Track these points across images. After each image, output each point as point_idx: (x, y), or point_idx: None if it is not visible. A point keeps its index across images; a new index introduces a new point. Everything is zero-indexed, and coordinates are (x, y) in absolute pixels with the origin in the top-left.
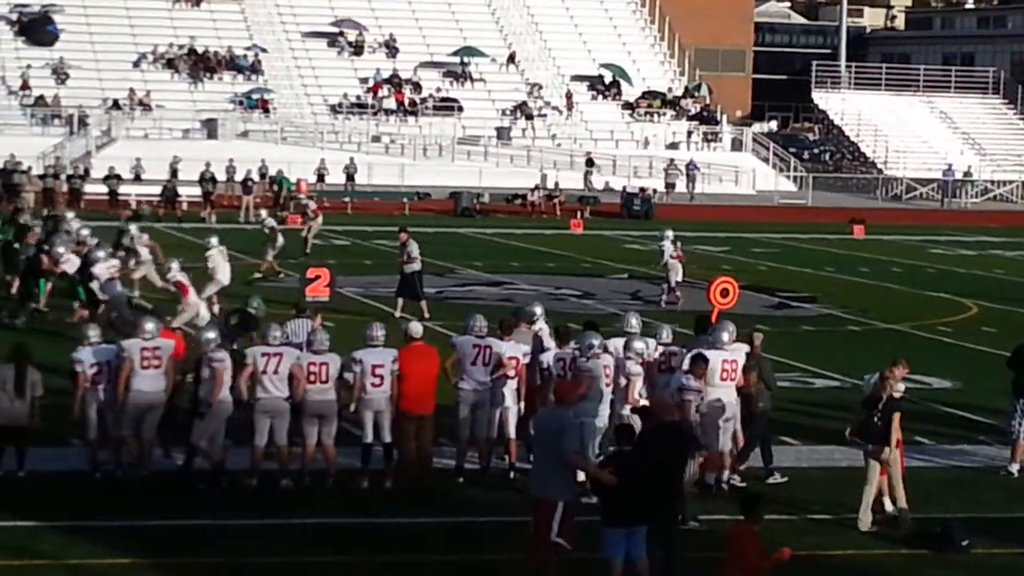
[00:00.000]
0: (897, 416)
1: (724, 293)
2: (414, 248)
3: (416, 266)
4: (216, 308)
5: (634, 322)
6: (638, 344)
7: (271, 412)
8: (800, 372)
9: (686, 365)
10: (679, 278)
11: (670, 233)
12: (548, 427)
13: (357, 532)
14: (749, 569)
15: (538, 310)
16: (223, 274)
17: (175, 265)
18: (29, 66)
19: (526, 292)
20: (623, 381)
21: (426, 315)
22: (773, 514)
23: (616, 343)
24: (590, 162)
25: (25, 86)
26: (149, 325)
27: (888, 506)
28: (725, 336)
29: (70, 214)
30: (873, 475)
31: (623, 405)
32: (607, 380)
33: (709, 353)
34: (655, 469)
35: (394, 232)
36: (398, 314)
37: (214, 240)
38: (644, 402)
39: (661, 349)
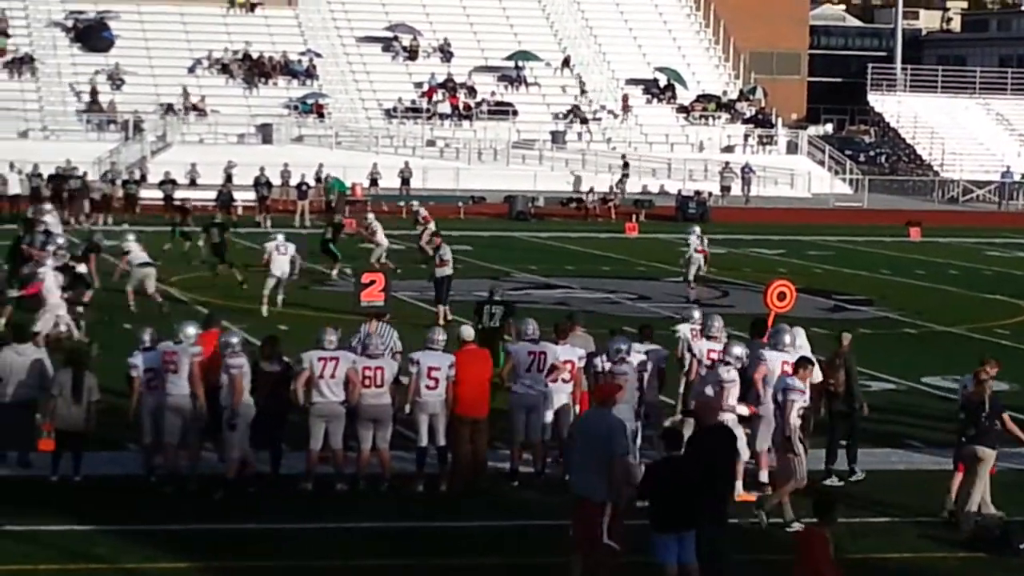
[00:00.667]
0: (1008, 415)
1: (781, 296)
2: (446, 252)
3: (448, 270)
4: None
5: (717, 325)
6: (737, 350)
7: (326, 416)
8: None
9: (734, 364)
10: (700, 272)
11: (697, 229)
12: (594, 429)
13: (412, 536)
14: (815, 573)
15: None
16: (277, 267)
17: (50, 262)
18: (97, 72)
19: (581, 296)
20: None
21: (440, 320)
22: None
23: (700, 346)
24: (626, 164)
25: (94, 92)
26: (188, 330)
27: (950, 504)
28: (787, 338)
29: (48, 215)
30: (983, 473)
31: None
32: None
33: (769, 354)
34: (703, 472)
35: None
36: (442, 320)
37: (280, 237)
38: (741, 409)
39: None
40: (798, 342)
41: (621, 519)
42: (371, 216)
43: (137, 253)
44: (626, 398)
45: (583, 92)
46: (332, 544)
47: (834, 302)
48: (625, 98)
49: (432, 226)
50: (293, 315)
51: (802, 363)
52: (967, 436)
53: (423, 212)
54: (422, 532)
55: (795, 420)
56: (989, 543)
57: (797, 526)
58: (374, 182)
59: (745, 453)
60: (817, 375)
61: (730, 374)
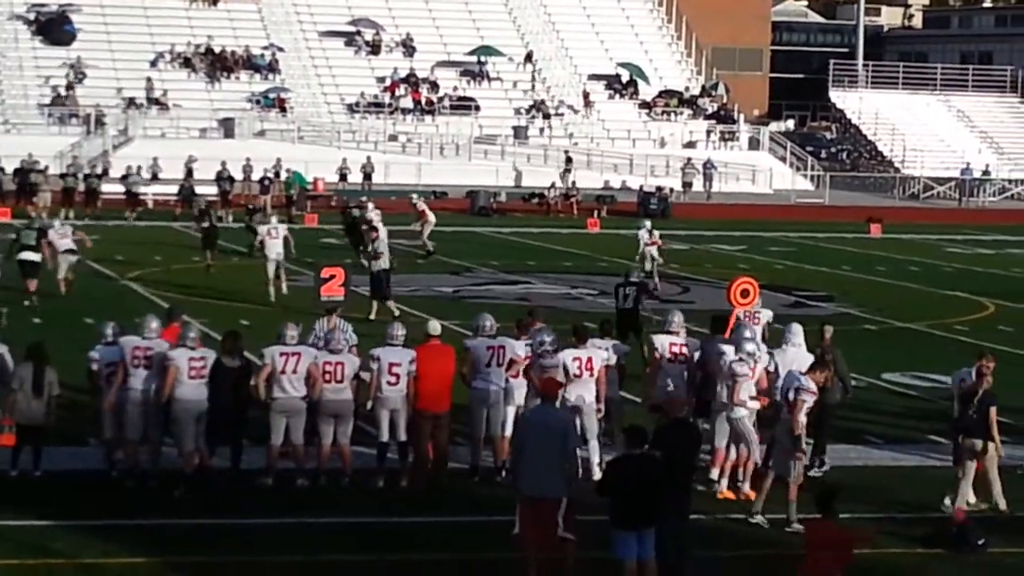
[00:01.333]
0: (993, 409)
1: (745, 294)
2: (381, 245)
3: (383, 264)
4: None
5: (677, 320)
6: (750, 346)
7: (287, 411)
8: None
9: (746, 360)
10: (656, 265)
11: (647, 223)
12: (547, 425)
13: (373, 531)
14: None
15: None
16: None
17: None
18: (61, 65)
19: (543, 291)
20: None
21: (396, 313)
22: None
23: (661, 340)
24: (568, 159)
25: (70, 87)
26: (152, 324)
27: (971, 499)
28: (746, 333)
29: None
30: (969, 469)
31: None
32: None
33: (728, 349)
34: (666, 468)
35: (409, 231)
36: (373, 316)
37: (273, 219)
38: (752, 404)
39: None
40: (797, 340)
41: (573, 512)
42: (374, 210)
43: (59, 241)
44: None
45: (534, 87)
46: (293, 539)
47: (795, 298)
48: (586, 94)
49: (431, 218)
50: (254, 310)
51: (817, 365)
52: (959, 429)
53: (421, 206)
54: (383, 527)
55: (803, 420)
56: (948, 540)
57: (798, 526)
58: (343, 176)
59: (757, 453)
60: (765, 360)
61: (742, 368)
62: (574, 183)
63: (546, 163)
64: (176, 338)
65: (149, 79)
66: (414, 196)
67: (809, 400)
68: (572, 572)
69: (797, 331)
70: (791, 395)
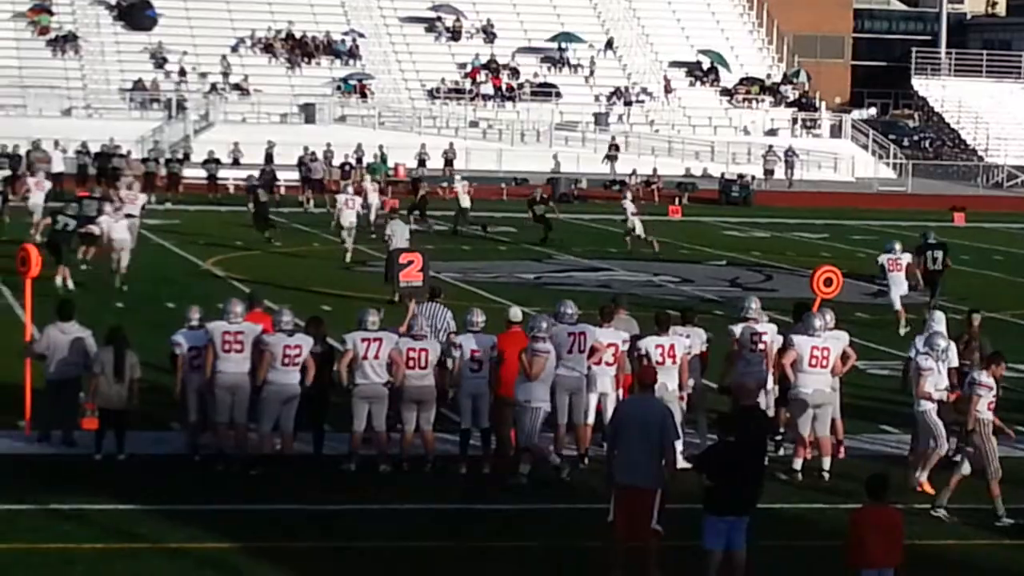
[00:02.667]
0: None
1: (828, 282)
2: (389, 228)
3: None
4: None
5: (754, 306)
6: (941, 341)
7: (370, 397)
8: (899, 360)
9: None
10: (641, 232)
11: (627, 194)
12: (645, 415)
13: (456, 517)
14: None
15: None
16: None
17: None
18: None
19: (624, 278)
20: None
21: (396, 299)
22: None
23: (740, 327)
24: (614, 147)
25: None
26: (237, 308)
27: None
28: (817, 322)
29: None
30: None
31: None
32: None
33: (798, 339)
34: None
35: (492, 216)
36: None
37: (350, 190)
38: (938, 395)
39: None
40: (939, 328)
41: (663, 503)
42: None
43: (113, 224)
44: (543, 376)
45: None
46: (376, 525)
47: (877, 287)
48: (667, 81)
49: (464, 202)
50: (336, 296)
51: (995, 358)
52: None
53: (456, 187)
54: (466, 514)
55: (986, 415)
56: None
57: (943, 513)
58: (422, 162)
59: (945, 446)
60: (953, 359)
61: (927, 362)
62: (642, 170)
63: (627, 150)
64: (262, 323)
65: (224, 57)
66: (457, 177)
67: (986, 396)
68: (657, 561)
69: (939, 319)
70: (965, 391)
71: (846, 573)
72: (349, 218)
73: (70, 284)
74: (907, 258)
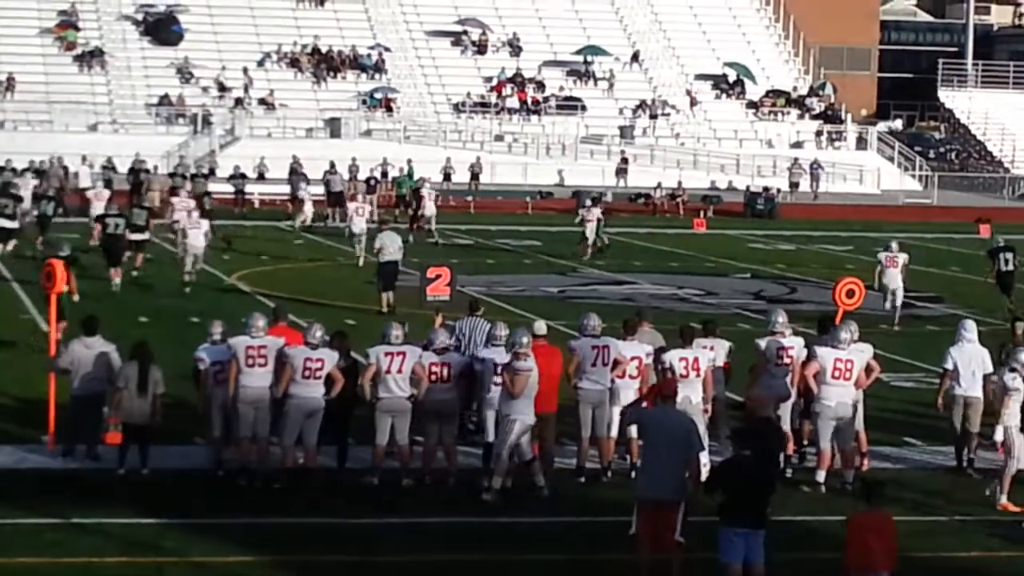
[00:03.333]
0: None
1: (850, 294)
2: (378, 241)
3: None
4: None
5: (781, 320)
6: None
7: (393, 411)
8: (924, 372)
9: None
10: (596, 241)
11: (587, 201)
12: (668, 427)
13: (478, 531)
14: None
15: None
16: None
17: None
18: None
19: (649, 291)
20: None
21: (384, 309)
22: (901, 515)
23: (765, 341)
24: (624, 160)
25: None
26: (259, 322)
27: None
28: (842, 335)
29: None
30: None
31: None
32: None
33: (821, 351)
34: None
35: (517, 230)
36: (385, 309)
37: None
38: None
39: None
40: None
41: (686, 516)
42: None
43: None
44: (526, 393)
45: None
46: (398, 539)
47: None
48: (691, 96)
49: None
50: (360, 310)
51: None
52: None
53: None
54: (488, 527)
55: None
56: None
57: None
58: (447, 176)
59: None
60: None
61: (1015, 382)
62: (667, 183)
63: (652, 163)
64: (287, 336)
65: (246, 71)
66: (426, 185)
67: (1017, 399)
68: (680, 574)
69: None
70: (997, 393)
71: None
72: (359, 225)
73: (116, 283)
74: (903, 257)
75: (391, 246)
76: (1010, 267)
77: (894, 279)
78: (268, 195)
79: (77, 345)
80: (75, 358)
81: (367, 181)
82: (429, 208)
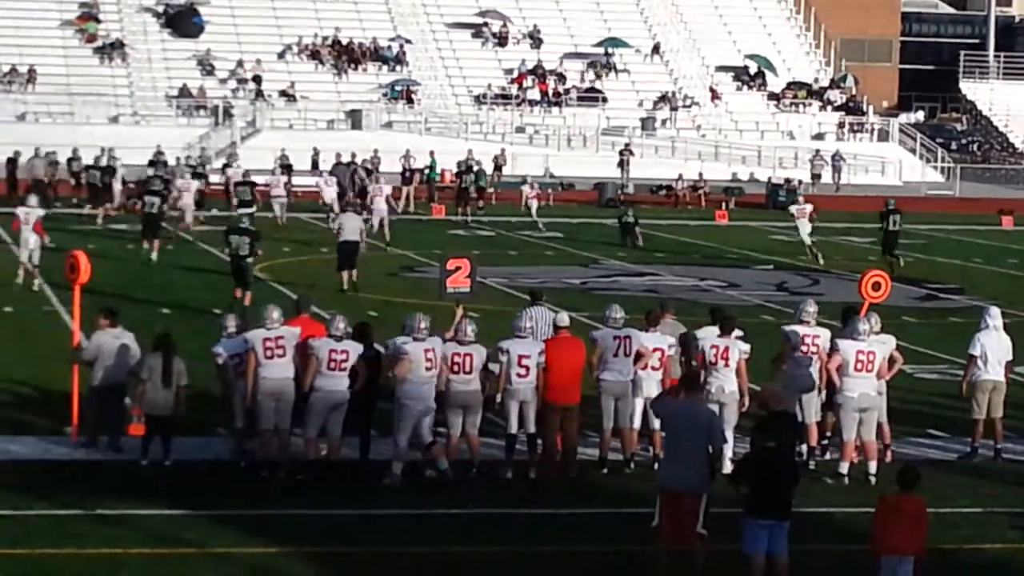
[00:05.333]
0: None
1: (876, 287)
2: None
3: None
4: None
5: (810, 309)
6: None
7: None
8: (947, 364)
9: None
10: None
11: (528, 177)
12: (691, 419)
13: (501, 522)
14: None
15: None
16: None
17: None
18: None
19: (671, 283)
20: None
21: (344, 287)
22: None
23: (793, 330)
24: (629, 152)
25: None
26: (274, 314)
27: None
28: (861, 326)
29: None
30: None
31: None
32: (427, 364)
33: (843, 343)
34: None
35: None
36: (346, 286)
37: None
38: None
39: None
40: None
41: (708, 507)
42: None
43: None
44: (422, 377)
45: (675, 81)
46: (421, 530)
47: (926, 291)
48: (713, 91)
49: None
50: (382, 301)
51: None
52: None
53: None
54: (511, 519)
55: None
56: None
57: None
58: (498, 167)
59: None
60: None
61: None
62: (688, 175)
63: (673, 155)
64: (310, 328)
65: (258, 62)
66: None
67: None
68: (702, 565)
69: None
70: None
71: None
72: (380, 212)
73: (154, 256)
74: (809, 208)
75: (350, 225)
76: (896, 228)
77: (805, 227)
78: (298, 187)
79: (102, 335)
80: (100, 347)
81: (402, 174)
82: (380, 203)
